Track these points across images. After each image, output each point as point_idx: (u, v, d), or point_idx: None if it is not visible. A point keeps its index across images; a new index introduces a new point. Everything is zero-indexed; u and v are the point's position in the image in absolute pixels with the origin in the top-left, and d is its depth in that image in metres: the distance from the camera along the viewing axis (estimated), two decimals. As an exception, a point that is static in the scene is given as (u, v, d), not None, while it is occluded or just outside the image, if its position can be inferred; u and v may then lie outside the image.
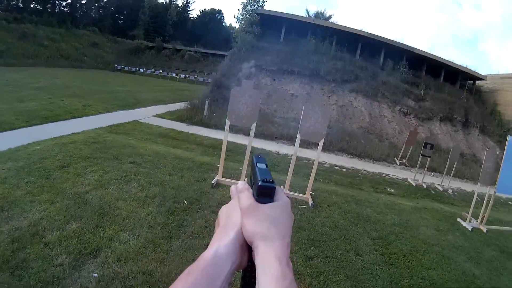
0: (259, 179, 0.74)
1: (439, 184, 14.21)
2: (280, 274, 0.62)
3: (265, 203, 0.74)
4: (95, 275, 4.44)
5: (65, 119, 12.79)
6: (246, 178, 7.87)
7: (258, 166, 0.81)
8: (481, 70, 40.50)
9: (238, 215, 0.75)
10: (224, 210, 0.83)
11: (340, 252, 6.47)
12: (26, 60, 34.08)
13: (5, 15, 40.26)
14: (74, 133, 10.86)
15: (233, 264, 0.69)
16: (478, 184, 9.74)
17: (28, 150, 8.48)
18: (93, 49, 53.35)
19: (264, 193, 0.74)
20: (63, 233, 5.19)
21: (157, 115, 17.84)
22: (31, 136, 9.63)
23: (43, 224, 5.32)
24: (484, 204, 9.44)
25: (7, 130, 9.98)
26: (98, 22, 65.32)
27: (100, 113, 15.36)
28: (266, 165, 0.82)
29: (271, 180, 0.74)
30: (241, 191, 0.79)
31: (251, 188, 0.79)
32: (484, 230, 9.26)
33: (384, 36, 28.74)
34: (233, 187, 0.84)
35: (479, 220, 9.51)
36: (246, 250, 0.72)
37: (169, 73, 52.62)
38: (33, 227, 5.18)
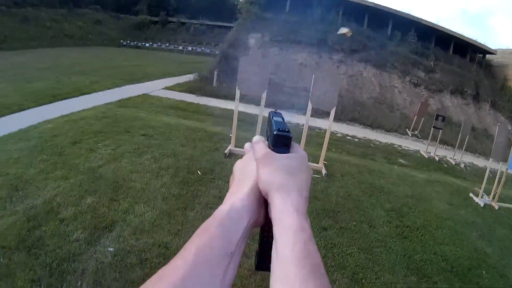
0: (275, 128, 0.70)
1: (451, 158, 14.04)
2: (299, 226, 0.58)
3: (281, 153, 0.69)
4: (111, 249, 4.45)
5: (74, 97, 12.78)
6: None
7: (274, 119, 0.77)
8: (491, 45, 39.85)
9: (254, 169, 0.70)
10: (238, 165, 0.79)
11: (354, 223, 6.46)
12: (29, 43, 33.93)
13: (5, 1, 40.06)
14: (84, 109, 10.87)
15: (250, 219, 0.64)
16: (490, 159, 9.63)
17: (39, 129, 8.49)
18: (97, 27, 53.11)
19: (280, 143, 0.70)
20: (78, 209, 5.20)
21: (166, 88, 17.83)
22: (41, 115, 9.63)
23: (58, 201, 5.33)
24: (496, 180, 9.28)
25: (16, 111, 9.97)
26: (100, 0, 64.97)
27: (108, 88, 15.36)
28: (283, 119, 0.78)
29: (287, 130, 0.70)
30: (256, 142, 0.75)
31: (267, 140, 0.75)
32: (496, 207, 9.12)
33: (391, 7, 28.28)
34: (247, 144, 0.81)
35: (491, 196, 9.37)
36: (263, 205, 0.68)
37: (176, 46, 52.42)
38: (48, 205, 5.19)
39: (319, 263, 0.54)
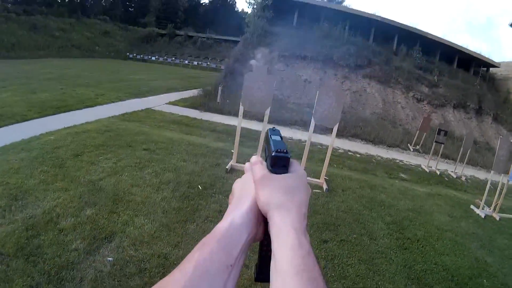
0: (273, 149, 0.72)
1: (452, 171, 14.04)
2: (297, 243, 0.60)
3: (279, 173, 0.71)
4: (110, 259, 4.46)
5: (78, 109, 12.81)
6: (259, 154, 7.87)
7: (272, 138, 0.78)
8: (495, 57, 40.09)
9: (252, 187, 0.72)
10: (238, 183, 0.82)
11: (354, 235, 6.46)
12: (37, 52, 34.14)
13: (15, 8, 40.28)
14: (87, 122, 10.88)
15: (249, 235, 0.67)
16: (492, 171, 9.64)
17: (41, 140, 8.50)
18: (104, 38, 53.44)
19: (278, 164, 0.71)
20: (77, 220, 5.20)
21: (170, 103, 17.83)
22: (44, 126, 9.66)
23: (57, 211, 5.34)
24: (498, 192, 9.31)
25: (19, 121, 10.00)
26: (109, 11, 65.35)
27: (112, 102, 15.36)
28: (281, 137, 0.79)
29: (285, 150, 0.72)
30: (254, 163, 0.77)
31: (265, 161, 0.76)
32: (497, 218, 9.15)
33: (398, 21, 28.47)
34: (247, 164, 0.82)
35: (492, 207, 9.39)
36: (262, 222, 0.70)
37: (182, 60, 52.63)
38: (47, 215, 5.20)
39: (317, 276, 0.56)
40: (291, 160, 0.73)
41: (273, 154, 0.71)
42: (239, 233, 0.65)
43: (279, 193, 0.67)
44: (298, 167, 0.74)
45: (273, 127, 0.86)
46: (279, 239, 0.61)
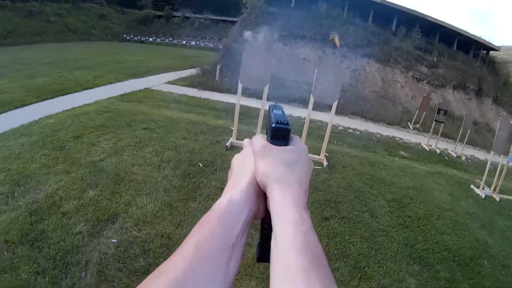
0: (273, 121, 0.69)
1: (452, 150, 14.04)
2: (298, 218, 0.56)
3: (280, 146, 0.68)
4: (114, 240, 4.50)
5: (76, 91, 12.78)
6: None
7: (273, 112, 0.75)
8: (495, 42, 39.70)
9: (252, 162, 0.69)
10: (237, 158, 0.79)
11: (355, 213, 6.52)
12: (33, 38, 33.82)
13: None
14: (86, 104, 10.85)
15: (249, 212, 0.63)
16: (492, 152, 9.68)
17: (41, 124, 8.50)
18: (101, 21, 52.96)
19: (279, 135, 0.69)
20: (80, 202, 5.24)
21: (169, 82, 17.81)
22: (43, 110, 9.63)
23: (60, 195, 5.37)
24: (497, 173, 9.32)
25: (18, 107, 9.97)
26: (106, -6, 64.79)
27: (111, 83, 15.32)
28: (283, 112, 0.76)
29: (286, 122, 0.69)
30: (254, 137, 0.74)
31: (266, 134, 0.73)
32: (497, 199, 9.17)
33: (397, 3, 28.21)
34: (246, 140, 0.81)
35: (492, 188, 9.42)
36: (263, 198, 0.66)
37: (179, 41, 52.19)
38: (50, 199, 5.23)
39: (320, 253, 0.53)
40: (292, 135, 0.71)
41: (273, 125, 0.69)
42: (239, 210, 0.62)
43: (279, 166, 0.64)
44: (299, 141, 0.72)
45: (275, 103, 0.83)
46: (279, 214, 0.58)
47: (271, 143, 0.68)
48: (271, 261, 0.55)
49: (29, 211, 4.85)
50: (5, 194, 5.23)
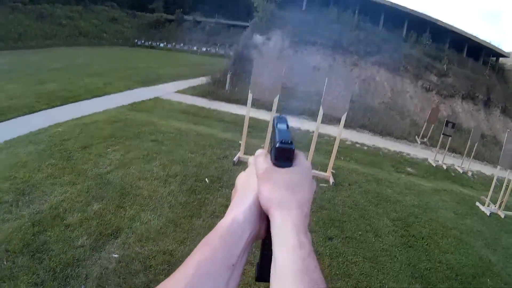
0: (277, 140, 0.69)
1: (459, 166, 13.93)
2: (297, 244, 0.57)
3: (283, 167, 0.68)
4: (116, 255, 4.49)
5: (86, 99, 12.82)
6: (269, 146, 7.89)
7: (278, 126, 0.74)
8: (505, 48, 39.79)
9: (255, 182, 0.69)
10: (241, 177, 0.79)
11: (359, 232, 6.47)
12: (44, 41, 33.99)
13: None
14: (95, 112, 10.88)
15: (252, 231, 0.65)
16: (498, 167, 9.59)
17: (49, 132, 8.51)
18: (112, 25, 53.21)
19: (282, 156, 0.68)
20: (84, 215, 5.24)
21: (178, 91, 17.80)
22: (52, 118, 9.65)
23: (64, 206, 5.37)
24: (503, 188, 9.22)
25: (27, 113, 9.99)
26: (116, -3, 65.07)
27: (121, 91, 15.35)
28: (287, 126, 0.75)
29: (290, 142, 0.68)
30: (257, 156, 0.74)
31: (270, 153, 0.72)
32: (502, 216, 9.07)
33: (407, 7, 28.19)
34: (251, 158, 0.79)
35: (497, 205, 9.32)
36: (265, 218, 0.67)
37: (190, 46, 52.44)
38: (54, 210, 5.22)
39: (318, 278, 0.54)
40: (296, 151, 0.70)
41: (277, 146, 0.68)
42: (241, 231, 0.64)
43: (281, 189, 0.65)
44: (303, 160, 0.71)
45: (280, 115, 0.82)
46: (279, 239, 0.59)
47: (275, 163, 0.68)
48: (270, 283, 0.56)
49: (32, 221, 4.84)
50: (9, 203, 5.23)
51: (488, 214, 9.04)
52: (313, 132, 8.85)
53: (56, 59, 23.46)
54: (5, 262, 4.05)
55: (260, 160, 0.71)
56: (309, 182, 0.69)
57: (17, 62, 20.25)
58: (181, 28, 60.23)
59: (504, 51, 31.03)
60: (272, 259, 0.58)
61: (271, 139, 0.77)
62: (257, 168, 0.70)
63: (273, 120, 0.78)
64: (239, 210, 0.67)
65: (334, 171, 9.08)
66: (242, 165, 8.40)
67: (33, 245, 4.38)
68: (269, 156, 0.71)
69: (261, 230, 0.67)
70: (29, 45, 30.81)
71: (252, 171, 0.74)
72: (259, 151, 0.75)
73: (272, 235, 0.61)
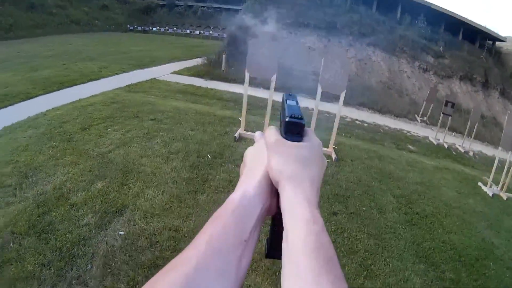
0: (287, 115, 0.67)
1: (460, 145, 14.00)
2: (311, 217, 0.54)
3: (293, 141, 0.66)
4: (121, 232, 4.49)
5: (82, 83, 12.74)
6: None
7: (288, 103, 0.72)
8: (501, 33, 39.81)
9: (265, 156, 0.67)
10: (249, 152, 0.76)
11: (364, 208, 6.50)
12: (35, 31, 33.62)
13: (11, -13, 39.77)
14: (92, 95, 10.82)
15: (263, 206, 0.62)
16: (499, 148, 9.60)
17: (48, 116, 8.48)
18: (103, 12, 52.80)
19: (292, 130, 0.67)
20: (88, 194, 5.23)
21: (175, 72, 17.72)
22: (49, 102, 9.61)
23: (68, 186, 5.36)
24: (505, 170, 9.21)
25: (24, 99, 9.94)
26: (107, -16, 64.60)
27: (116, 74, 15.28)
28: (297, 103, 0.73)
29: (300, 116, 0.66)
30: (268, 129, 0.71)
31: (280, 126, 0.70)
32: (505, 198, 9.06)
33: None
34: (257, 133, 0.79)
35: (499, 186, 9.31)
36: (275, 194, 0.64)
37: (183, 30, 52.06)
38: (57, 190, 5.22)
39: (332, 255, 0.51)
40: (306, 128, 0.68)
41: (287, 120, 0.66)
42: (252, 205, 0.61)
43: (292, 163, 0.62)
44: (313, 136, 0.69)
45: (290, 93, 0.79)
46: (291, 213, 0.56)
47: (285, 137, 0.66)
48: (282, 261, 0.53)
49: (37, 202, 4.84)
50: (13, 186, 5.23)
51: (490, 195, 9.07)
52: (313, 109, 8.83)
53: (48, 47, 23.21)
54: (11, 245, 4.05)
55: (271, 132, 0.69)
56: (320, 158, 0.67)
57: (9, 52, 20.03)
58: (173, 13, 60.00)
59: (501, 35, 31.07)
60: (284, 234, 0.56)
61: (279, 116, 0.74)
62: (267, 140, 0.68)
63: (283, 97, 0.77)
64: (249, 184, 0.65)
65: (336, 147, 9.10)
66: (243, 140, 8.43)
67: (39, 226, 4.38)
68: (279, 130, 0.70)
69: (272, 205, 0.65)
70: (20, 35, 30.54)
71: (261, 145, 0.72)
72: (270, 126, 0.73)
73: (282, 209, 0.59)
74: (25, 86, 11.21)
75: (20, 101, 9.76)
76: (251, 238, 0.58)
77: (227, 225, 0.57)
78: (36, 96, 10.40)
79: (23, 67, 14.89)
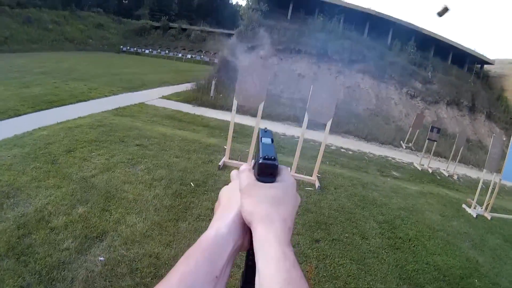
0: (260, 155, 0.69)
1: (444, 170, 14.12)
2: (281, 255, 0.57)
3: (266, 182, 0.69)
4: (102, 258, 4.47)
5: (71, 103, 12.72)
6: (253, 160, 7.91)
7: (262, 141, 0.76)
8: (489, 55, 40.25)
9: (239, 196, 0.70)
10: (224, 191, 0.80)
11: (346, 235, 6.51)
12: (30, 45, 33.73)
13: (9, 1, 39.71)
14: (80, 117, 10.80)
15: (235, 243, 0.65)
16: (484, 170, 9.69)
17: (34, 136, 8.44)
18: (98, 31, 52.94)
19: (265, 172, 0.69)
20: (69, 218, 5.20)
21: (164, 97, 17.74)
22: (36, 121, 9.58)
23: (49, 209, 5.32)
24: (489, 191, 9.38)
25: (12, 116, 9.91)
26: (103, 3, 64.64)
27: (105, 96, 15.27)
28: (272, 140, 0.77)
29: (273, 158, 0.69)
30: (241, 171, 0.75)
31: (253, 168, 0.73)
32: (489, 218, 9.21)
33: (393, 16, 28.46)
34: (233, 172, 0.82)
35: (483, 207, 9.45)
36: (248, 231, 0.67)
37: (175, 53, 52.21)
38: (39, 213, 5.18)
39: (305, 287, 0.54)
40: (280, 167, 0.71)
41: (260, 162, 0.69)
42: (225, 243, 0.64)
43: (264, 204, 0.65)
44: (287, 175, 0.72)
45: (265, 128, 0.83)
46: (262, 251, 0.59)
47: (258, 179, 0.69)
48: None
49: (17, 224, 4.80)
50: (-7, 206, 5.19)
51: (474, 216, 9.17)
52: (298, 137, 8.88)
53: (41, 63, 23.20)
54: (-10, 266, 4.02)
55: (244, 175, 0.72)
56: (293, 197, 0.69)
57: (2, 65, 20.03)
58: (167, 35, 60.17)
59: (489, 58, 31.42)
60: (256, 271, 0.58)
61: (254, 153, 0.78)
62: (240, 183, 0.71)
63: (259, 132, 0.80)
64: (222, 222, 0.67)
65: (319, 175, 9.15)
66: (227, 169, 8.42)
67: (18, 248, 4.34)
68: (252, 171, 0.72)
69: (245, 241, 0.68)
70: (15, 49, 30.56)
71: (236, 185, 0.75)
72: (242, 167, 0.76)
73: (254, 248, 0.61)
74: (15, 102, 11.19)
75: (8, 118, 9.73)
76: (223, 274, 0.61)
77: (199, 262, 0.59)
78: (25, 114, 10.36)
79: (15, 82, 14.93)
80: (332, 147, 13.86)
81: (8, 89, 13.30)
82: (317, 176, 8.89)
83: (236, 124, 9.03)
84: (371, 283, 5.18)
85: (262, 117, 8.37)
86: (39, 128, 9.09)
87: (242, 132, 11.68)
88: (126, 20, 63.08)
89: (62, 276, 4.06)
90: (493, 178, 9.46)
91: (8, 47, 30.59)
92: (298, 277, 0.55)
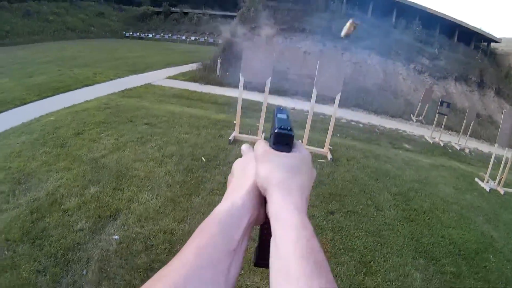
0: (276, 126, 0.68)
1: (456, 143, 13.98)
2: (300, 223, 0.54)
3: (282, 152, 0.66)
4: (116, 237, 4.46)
5: (77, 89, 12.73)
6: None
7: (278, 116, 0.74)
8: (496, 34, 40.08)
9: (253, 167, 0.68)
10: (238, 163, 0.77)
11: (361, 206, 6.49)
12: (32, 37, 33.64)
13: (7, -4, 39.74)
14: (86, 101, 10.81)
15: (251, 216, 0.63)
16: (496, 145, 9.59)
17: (41, 122, 8.46)
18: (99, 19, 52.84)
19: (281, 141, 0.67)
20: (81, 199, 5.21)
21: (170, 77, 17.72)
22: (43, 108, 9.60)
23: (61, 192, 5.33)
24: (502, 166, 9.24)
25: (18, 105, 9.94)
26: (102, -8, 64.67)
27: (111, 79, 15.28)
28: (288, 116, 0.74)
29: (289, 128, 0.68)
30: (257, 142, 0.72)
31: (269, 138, 0.72)
32: (502, 192, 9.06)
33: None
34: (244, 145, 0.81)
35: (496, 181, 9.31)
36: (263, 204, 0.64)
37: (179, 36, 52.09)
38: (51, 196, 5.19)
39: (323, 259, 0.50)
40: (295, 141, 0.69)
41: (276, 131, 0.67)
42: (240, 215, 0.61)
43: (280, 171, 0.62)
44: (302, 148, 0.70)
45: (281, 106, 0.80)
46: (279, 218, 0.56)
47: (274, 148, 0.67)
48: (270, 266, 0.53)
49: (30, 209, 4.81)
50: (6, 193, 5.19)
51: (487, 190, 9.05)
52: (308, 111, 8.82)
53: (44, 53, 23.19)
54: (6, 252, 4.02)
55: (259, 144, 0.70)
56: (309, 169, 0.67)
57: (5, 58, 20.05)
58: (169, 20, 60.07)
59: (495, 36, 31.20)
60: (272, 240, 0.55)
61: (270, 129, 0.75)
62: (256, 151, 0.69)
63: (274, 111, 0.77)
64: (237, 195, 0.65)
65: (331, 147, 9.08)
66: (237, 143, 8.41)
67: (33, 233, 4.35)
68: (267, 142, 0.70)
69: (260, 215, 0.65)
70: (16, 42, 30.55)
71: (249, 157, 0.73)
72: (259, 140, 0.72)
73: (270, 215, 0.58)
74: (20, 92, 11.22)
75: (15, 107, 9.76)
76: (239, 247, 0.58)
77: (214, 236, 0.57)
78: (31, 101, 10.39)
79: (19, 73, 14.93)
80: (343, 120, 13.79)
81: (12, 79, 13.35)
82: (329, 148, 8.84)
83: (244, 100, 8.97)
84: (387, 256, 5.14)
85: (270, 93, 8.33)
86: (46, 114, 9.11)
87: (251, 108, 11.59)
88: (127, 7, 62.91)
89: (78, 257, 4.07)
90: (505, 153, 9.32)
91: (10, 40, 30.60)
92: (317, 247, 0.52)
